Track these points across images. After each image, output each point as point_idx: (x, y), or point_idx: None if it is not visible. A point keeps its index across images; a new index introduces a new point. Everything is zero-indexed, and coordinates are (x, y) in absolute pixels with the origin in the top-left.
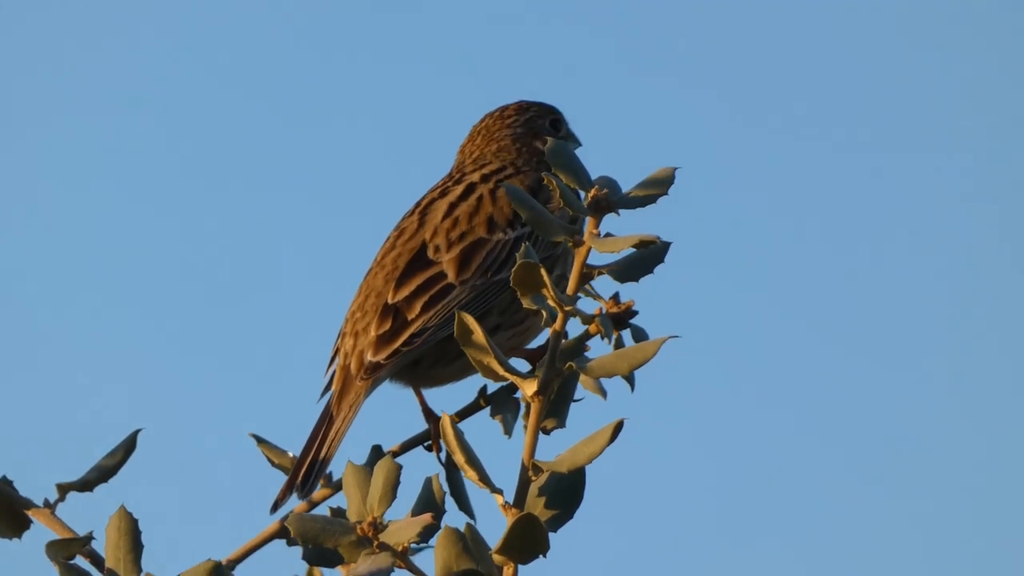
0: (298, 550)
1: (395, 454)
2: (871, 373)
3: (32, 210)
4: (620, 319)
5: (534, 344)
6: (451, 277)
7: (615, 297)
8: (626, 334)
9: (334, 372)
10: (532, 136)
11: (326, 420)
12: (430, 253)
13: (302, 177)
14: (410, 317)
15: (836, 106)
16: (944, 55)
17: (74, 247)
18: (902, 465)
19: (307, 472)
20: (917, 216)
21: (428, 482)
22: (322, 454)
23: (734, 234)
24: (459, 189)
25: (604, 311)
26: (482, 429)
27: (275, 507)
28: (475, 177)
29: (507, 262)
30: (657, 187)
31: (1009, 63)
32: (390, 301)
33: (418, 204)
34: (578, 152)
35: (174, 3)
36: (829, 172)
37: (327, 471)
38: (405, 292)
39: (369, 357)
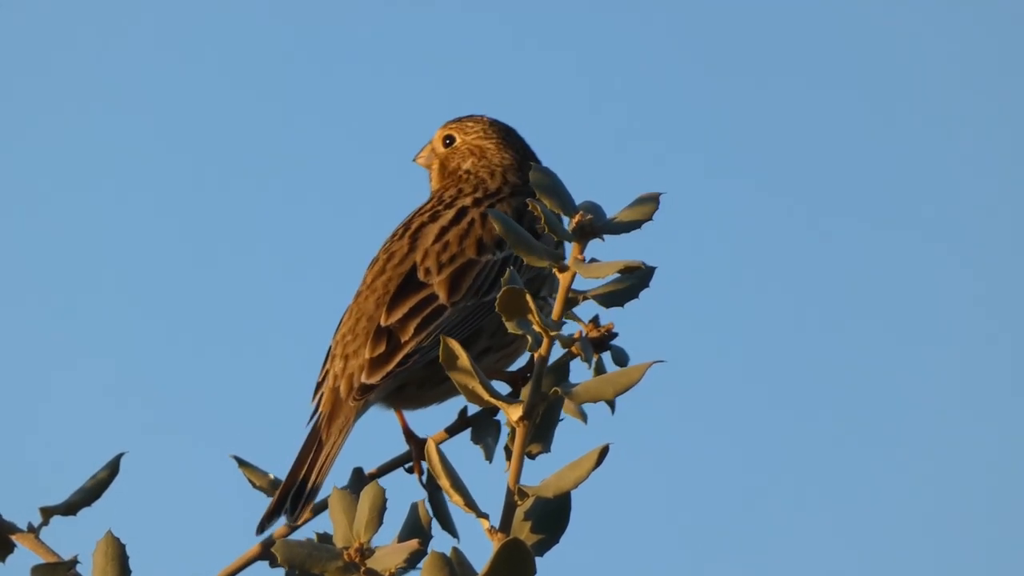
0: (280, 572)
1: (375, 476)
2: (857, 395)
3: (14, 223)
4: (600, 342)
5: (514, 366)
6: (443, 298)
7: (595, 320)
8: (606, 356)
9: (322, 395)
10: (516, 154)
11: (315, 444)
12: (420, 275)
13: (292, 196)
14: (404, 339)
15: (825, 124)
16: (939, 62)
17: (51, 260)
18: (891, 487)
19: (296, 496)
20: (907, 236)
21: (414, 507)
22: (312, 479)
23: (719, 258)
24: (450, 213)
25: (584, 334)
26: (463, 450)
27: (261, 529)
28: (467, 201)
29: (496, 282)
30: (642, 212)
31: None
32: (383, 324)
33: (407, 227)
34: (561, 171)
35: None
36: (816, 192)
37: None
38: (398, 315)
39: (363, 379)
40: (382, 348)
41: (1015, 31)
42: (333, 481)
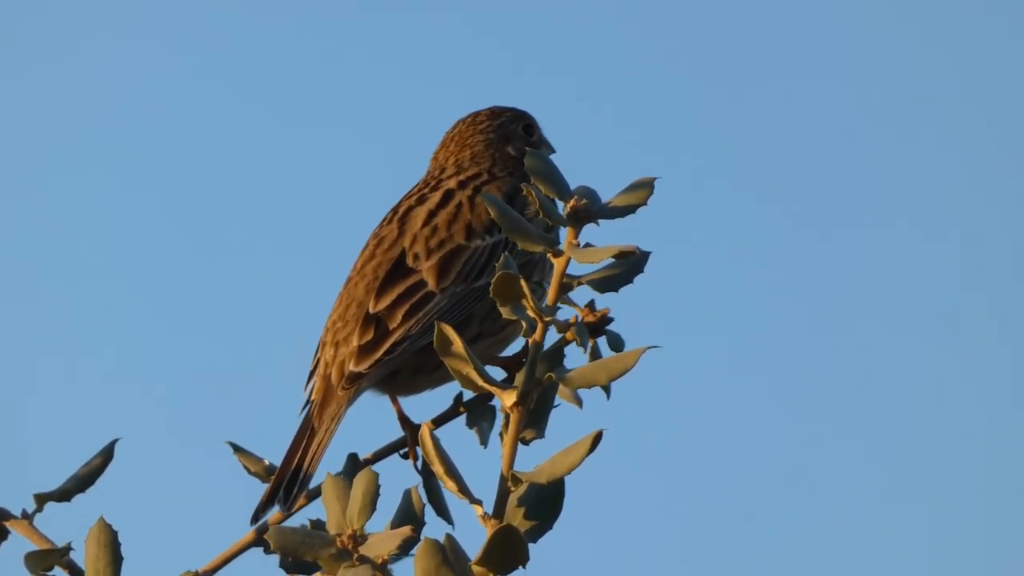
0: (275, 559)
1: (370, 461)
2: (853, 381)
3: (14, 215)
4: (596, 327)
5: (508, 351)
6: (431, 285)
7: (590, 305)
8: (601, 341)
9: (314, 383)
10: (504, 142)
11: (307, 432)
12: (409, 261)
13: (285, 187)
14: (392, 326)
15: (822, 108)
16: (938, 61)
17: (49, 250)
18: (886, 475)
19: (289, 484)
20: (908, 220)
21: (407, 494)
22: (304, 467)
23: (715, 242)
24: (436, 196)
25: (580, 319)
26: (458, 436)
27: (255, 518)
28: (452, 184)
29: (486, 268)
30: (636, 197)
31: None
32: (371, 310)
33: (395, 211)
34: (556, 158)
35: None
36: (812, 175)
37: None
38: (386, 301)
39: (351, 367)
40: (370, 335)
41: (1010, 35)
42: (328, 468)
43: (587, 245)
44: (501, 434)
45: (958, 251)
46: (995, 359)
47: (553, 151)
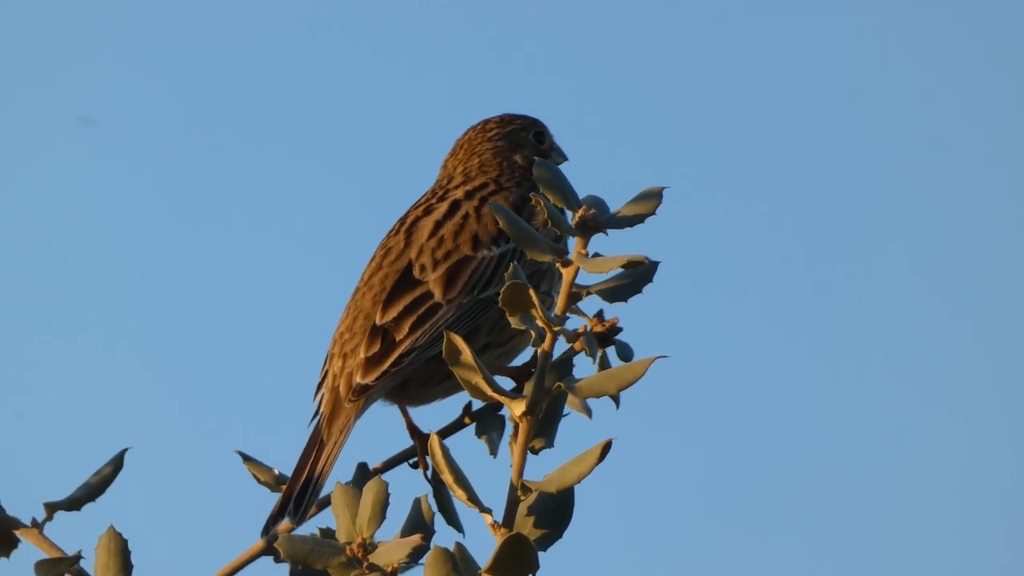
0: (284, 568)
1: (379, 471)
2: (858, 390)
3: (9, 222)
4: (605, 337)
5: (517, 362)
6: (438, 296)
7: (599, 315)
8: (610, 351)
9: (323, 395)
10: (512, 149)
11: (316, 444)
12: (416, 272)
13: (294, 198)
14: (399, 338)
15: (826, 118)
16: (939, 59)
17: (57, 255)
18: (887, 483)
19: (299, 497)
20: (907, 229)
21: (417, 502)
22: (314, 479)
23: (722, 252)
24: (443, 207)
25: (589, 329)
26: (467, 446)
27: (266, 531)
28: (459, 194)
29: (493, 279)
30: (645, 207)
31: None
32: (378, 322)
33: (403, 222)
34: (565, 167)
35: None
36: (818, 187)
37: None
38: (393, 313)
39: (358, 379)
40: (377, 347)
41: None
42: (338, 477)
43: (596, 255)
44: (510, 443)
45: (958, 258)
46: (991, 375)
47: (565, 159)
